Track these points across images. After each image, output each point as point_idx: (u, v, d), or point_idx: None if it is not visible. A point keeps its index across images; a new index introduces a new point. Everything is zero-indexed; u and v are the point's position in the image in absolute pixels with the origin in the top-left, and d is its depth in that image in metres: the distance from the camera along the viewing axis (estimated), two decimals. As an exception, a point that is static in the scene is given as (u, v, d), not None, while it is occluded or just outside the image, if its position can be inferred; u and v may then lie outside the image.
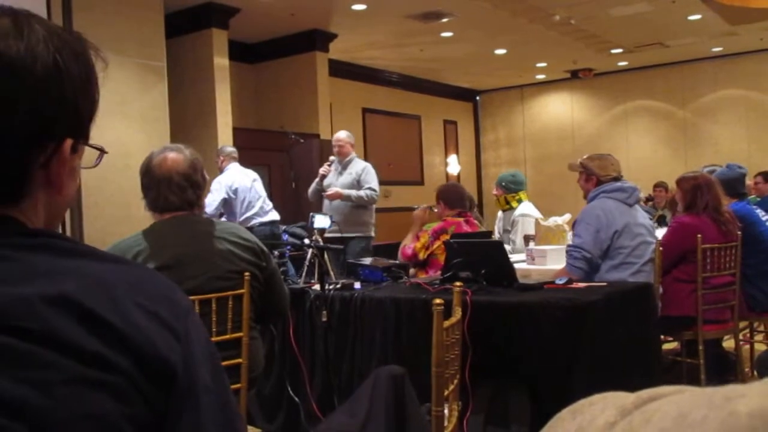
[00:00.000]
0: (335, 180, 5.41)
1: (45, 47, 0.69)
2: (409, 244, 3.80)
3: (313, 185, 5.54)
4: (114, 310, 0.65)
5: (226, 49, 7.14)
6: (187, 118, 6.91)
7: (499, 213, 5.10)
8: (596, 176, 3.57)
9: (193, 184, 2.23)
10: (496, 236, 4.86)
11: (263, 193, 5.69)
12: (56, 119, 0.71)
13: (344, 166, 5.45)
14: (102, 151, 0.81)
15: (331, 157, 5.49)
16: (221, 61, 7.06)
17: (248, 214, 5.55)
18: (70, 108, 0.72)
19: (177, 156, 2.22)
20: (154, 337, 0.66)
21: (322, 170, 5.48)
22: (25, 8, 0.73)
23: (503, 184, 4.90)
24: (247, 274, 2.26)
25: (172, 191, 2.19)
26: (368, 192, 5.34)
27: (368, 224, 5.46)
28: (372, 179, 5.41)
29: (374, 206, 5.58)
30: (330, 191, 5.33)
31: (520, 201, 4.87)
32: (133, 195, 5.70)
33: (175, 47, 6.77)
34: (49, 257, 0.67)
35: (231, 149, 5.89)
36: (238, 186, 5.54)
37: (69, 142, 0.72)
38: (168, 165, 2.20)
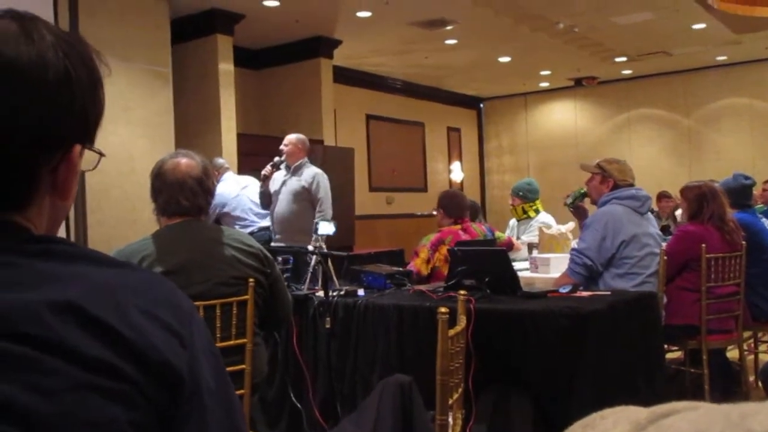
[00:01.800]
0: (281, 186, 4.97)
1: (54, 53, 0.69)
2: (419, 258, 3.71)
3: (259, 188, 5.10)
4: (119, 316, 0.65)
5: (231, 55, 7.16)
6: (192, 123, 6.93)
7: (512, 221, 5.08)
8: (614, 179, 3.55)
9: (205, 189, 2.26)
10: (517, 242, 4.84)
11: (257, 198, 5.25)
12: (66, 125, 0.71)
13: (293, 172, 4.96)
14: (101, 155, 0.80)
15: (276, 158, 4.95)
16: (226, 67, 7.08)
17: (242, 222, 5.32)
18: (79, 114, 0.71)
19: (190, 161, 2.25)
20: (158, 342, 0.66)
21: (264, 171, 4.98)
22: (30, 12, 0.72)
23: (521, 193, 4.86)
24: (251, 280, 2.26)
25: (184, 195, 2.21)
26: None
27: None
28: (323, 191, 4.88)
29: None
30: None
31: (537, 211, 4.86)
32: (136, 199, 5.76)
33: (180, 53, 6.80)
34: (55, 263, 0.67)
35: (221, 161, 5.71)
36: (225, 200, 5.28)
37: (78, 148, 0.73)
38: (182, 169, 2.22)
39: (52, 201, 0.73)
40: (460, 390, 1.94)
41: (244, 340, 2.28)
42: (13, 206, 0.69)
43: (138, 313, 0.66)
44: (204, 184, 2.26)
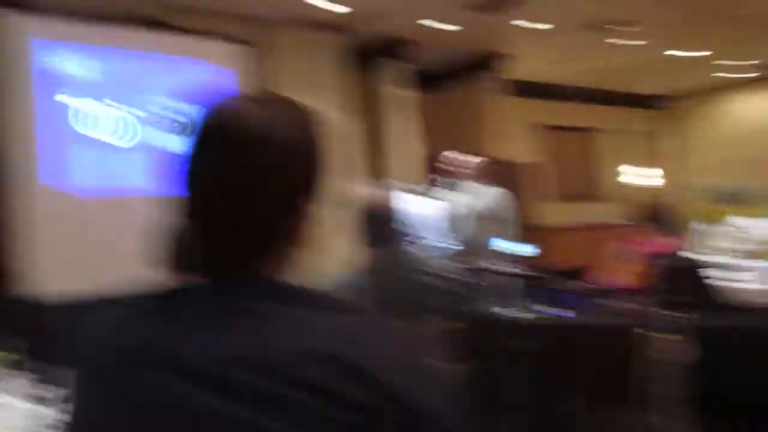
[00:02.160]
0: (463, 208, 4.99)
1: (291, 125, 0.81)
2: (613, 273, 3.57)
3: (443, 210, 5.10)
4: (369, 361, 0.71)
5: (411, 81, 7.38)
6: (380, 150, 7.22)
7: (707, 226, 4.78)
8: None
9: (401, 217, 2.36)
10: (703, 252, 4.54)
11: (442, 222, 5.44)
12: (303, 184, 0.82)
13: (475, 193, 4.99)
14: (322, 204, 0.89)
15: (455, 179, 5.00)
16: (407, 93, 7.31)
17: (431, 245, 5.35)
18: (312, 173, 0.83)
19: (388, 194, 2.37)
20: (403, 383, 0.71)
21: (441, 192, 5.08)
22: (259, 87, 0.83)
23: (718, 196, 4.61)
24: (449, 304, 2.31)
25: (388, 227, 2.32)
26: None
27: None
28: (507, 211, 4.85)
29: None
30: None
31: (735, 215, 4.55)
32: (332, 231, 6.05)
33: (362, 82, 7.13)
34: (308, 312, 0.75)
35: (408, 185, 5.83)
36: (414, 224, 5.32)
37: (311, 203, 0.83)
38: (383, 202, 2.34)
39: (290, 250, 0.83)
40: (681, 414, 1.82)
41: (448, 364, 2.31)
42: (262, 258, 0.80)
43: (385, 358, 0.73)
44: (400, 213, 2.38)
